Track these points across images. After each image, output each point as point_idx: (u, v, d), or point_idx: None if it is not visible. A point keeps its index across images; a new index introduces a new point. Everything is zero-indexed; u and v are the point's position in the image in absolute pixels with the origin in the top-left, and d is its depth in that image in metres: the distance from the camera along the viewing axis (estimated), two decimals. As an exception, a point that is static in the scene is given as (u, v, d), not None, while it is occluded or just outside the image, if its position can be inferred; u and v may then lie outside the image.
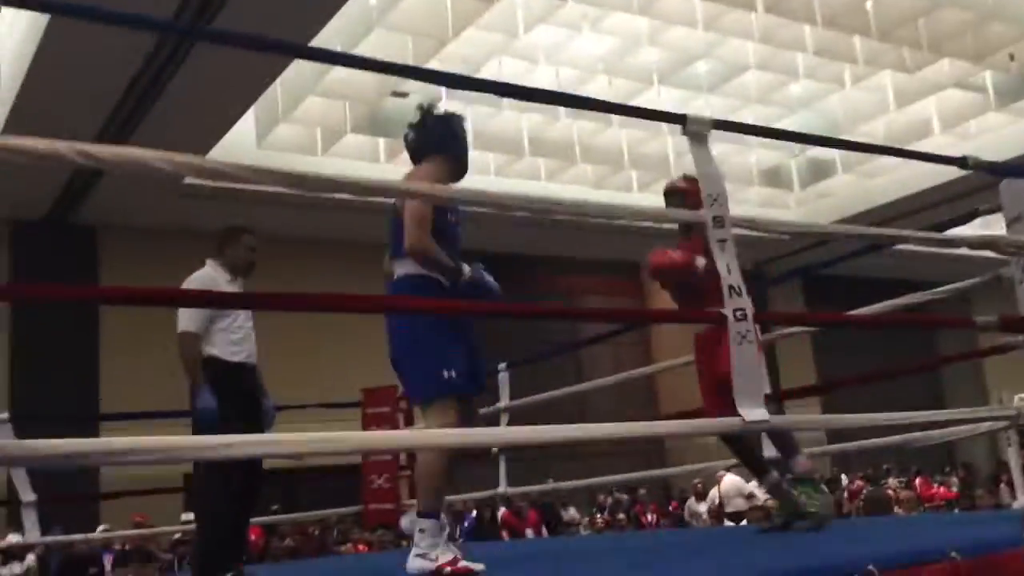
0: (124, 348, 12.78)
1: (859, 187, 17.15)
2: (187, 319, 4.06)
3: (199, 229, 13.37)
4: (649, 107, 3.46)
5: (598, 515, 13.48)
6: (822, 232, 3.30)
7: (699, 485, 12.84)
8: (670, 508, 13.97)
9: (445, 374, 3.05)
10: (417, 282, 3.13)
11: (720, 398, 3.09)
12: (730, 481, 12.16)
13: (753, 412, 2.62)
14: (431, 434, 2.97)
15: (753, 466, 3.82)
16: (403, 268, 3.18)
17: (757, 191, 17.05)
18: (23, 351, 12.51)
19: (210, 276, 4.22)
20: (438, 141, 3.33)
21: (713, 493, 12.26)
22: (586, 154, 14.94)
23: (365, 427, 7.01)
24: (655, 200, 2.75)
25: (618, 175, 15.65)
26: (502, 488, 6.50)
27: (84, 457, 1.86)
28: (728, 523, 10.65)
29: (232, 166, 2.21)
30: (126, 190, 11.83)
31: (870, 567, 2.02)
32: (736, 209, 2.87)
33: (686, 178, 3.83)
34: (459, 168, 3.33)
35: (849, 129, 15.26)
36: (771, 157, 16.97)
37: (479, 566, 2.92)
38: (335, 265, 13.88)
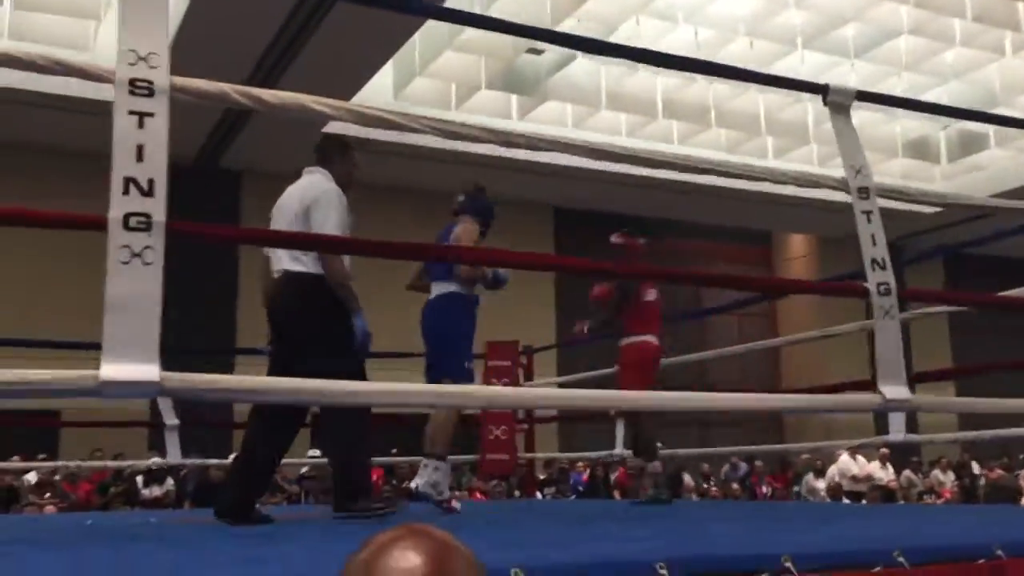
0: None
1: (1014, 162, 16.21)
2: (334, 232, 3.61)
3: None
4: (790, 72, 3.39)
5: (711, 483, 13.39)
6: (973, 205, 3.15)
7: (818, 462, 12.60)
8: (785, 482, 13.72)
9: (467, 365, 4.19)
10: (457, 299, 4.32)
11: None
12: (848, 461, 11.91)
13: (894, 391, 2.56)
14: (569, 394, 3.03)
15: (639, 448, 5.19)
16: (445, 288, 4.32)
17: (901, 163, 16.32)
18: (169, 289, 13.23)
19: (335, 188, 3.81)
20: (480, 209, 4.59)
21: (832, 471, 12.02)
22: (721, 118, 14.61)
23: (486, 379, 7.15)
24: (792, 169, 2.71)
25: (753, 141, 15.25)
26: (618, 450, 6.54)
27: (235, 393, 1.98)
28: (846, 501, 10.41)
29: (394, 113, 2.30)
30: (268, 137, 12.26)
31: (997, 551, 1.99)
32: (878, 180, 2.79)
33: (622, 233, 5.40)
34: (485, 229, 4.57)
35: (1007, 101, 14.41)
36: (918, 127, 16.19)
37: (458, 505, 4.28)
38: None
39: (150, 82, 1.94)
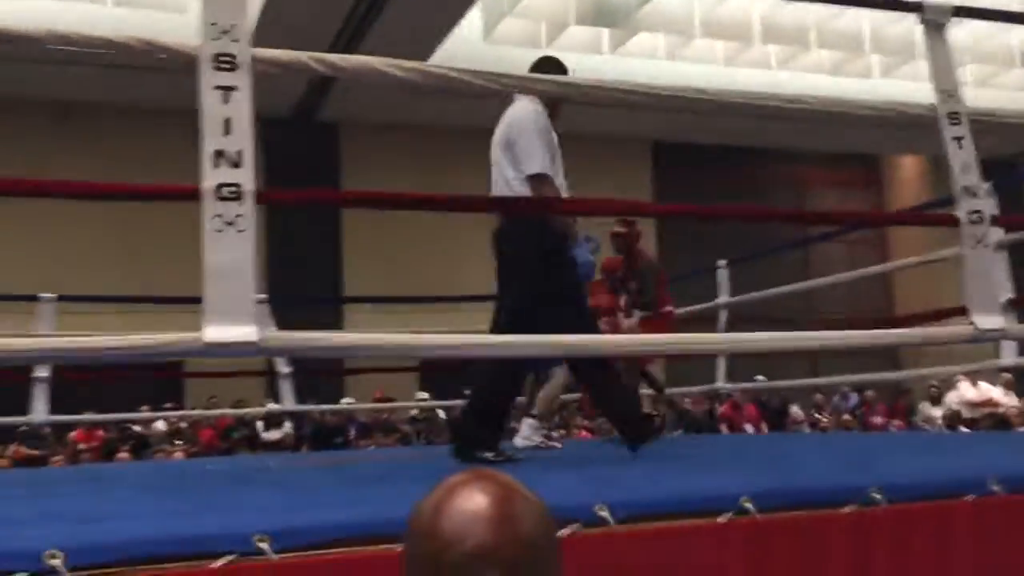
0: (364, 238, 13.71)
1: None
2: (540, 160, 3.46)
3: (430, 123, 14.00)
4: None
5: (821, 414, 13.21)
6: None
7: (933, 390, 12.26)
8: (900, 410, 13.43)
9: None
10: None
11: None
12: (967, 387, 11.54)
13: (986, 320, 2.52)
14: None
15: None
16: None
17: (1018, 73, 15.43)
18: (277, 240, 13.67)
19: (539, 112, 3.63)
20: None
21: (949, 398, 11.68)
22: (822, 39, 14.05)
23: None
24: (899, 87, 2.63)
25: (858, 60, 14.64)
26: (720, 383, 6.54)
27: (327, 350, 2.10)
28: (964, 430, 10.14)
29: (457, 70, 2.35)
30: (362, 89, 12.42)
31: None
32: (994, 94, 2.71)
33: (621, 221, 5.48)
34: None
35: None
36: (1037, 36, 15.25)
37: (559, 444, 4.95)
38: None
39: (232, 56, 2.03)
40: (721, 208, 3.90)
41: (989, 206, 4.00)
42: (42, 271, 10.80)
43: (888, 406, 13.76)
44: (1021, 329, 2.73)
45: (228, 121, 2.00)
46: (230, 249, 1.96)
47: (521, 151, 3.42)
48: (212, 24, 2.02)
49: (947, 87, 2.63)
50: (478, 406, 3.43)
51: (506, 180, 3.46)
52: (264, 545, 1.61)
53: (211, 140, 1.98)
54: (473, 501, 0.94)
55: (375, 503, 2.04)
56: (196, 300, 1.95)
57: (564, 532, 1.73)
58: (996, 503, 1.97)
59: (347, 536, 1.66)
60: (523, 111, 3.55)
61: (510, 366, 3.37)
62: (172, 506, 2.31)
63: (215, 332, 1.91)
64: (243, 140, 2.01)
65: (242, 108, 2.02)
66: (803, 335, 2.59)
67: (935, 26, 2.68)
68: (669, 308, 5.73)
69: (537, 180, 3.40)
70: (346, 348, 2.00)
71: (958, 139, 2.60)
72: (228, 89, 2.01)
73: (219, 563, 1.59)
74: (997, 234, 4.41)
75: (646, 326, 5.35)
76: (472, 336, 2.06)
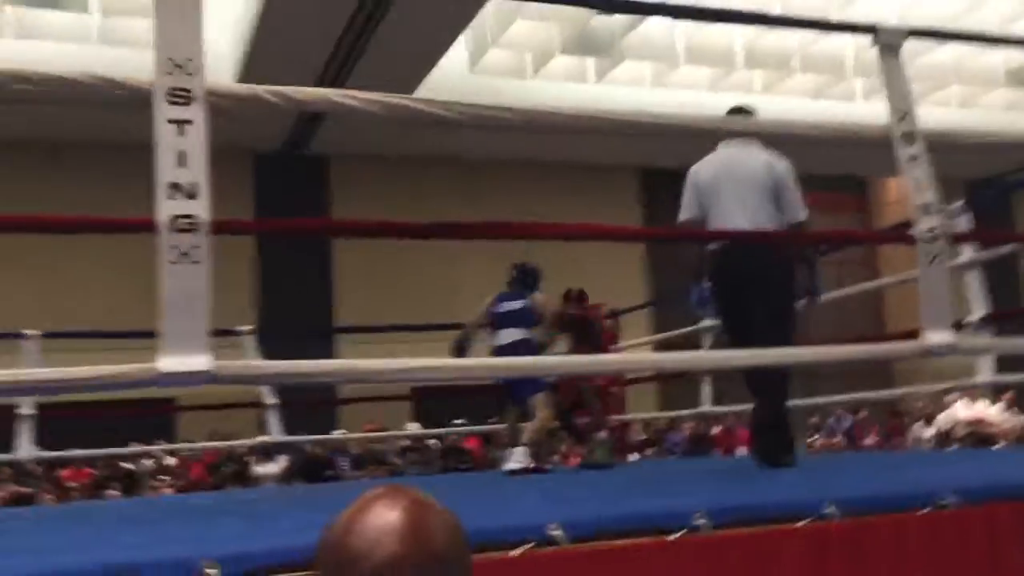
0: (356, 269, 13.74)
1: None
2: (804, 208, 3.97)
3: (419, 155, 14.09)
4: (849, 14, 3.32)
5: (817, 436, 13.18)
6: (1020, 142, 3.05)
7: (926, 409, 12.25)
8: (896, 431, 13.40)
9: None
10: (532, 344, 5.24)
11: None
12: (960, 406, 11.54)
13: (936, 336, 2.54)
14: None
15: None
16: (526, 335, 5.23)
17: (1002, 93, 15.57)
18: (267, 269, 13.70)
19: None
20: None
21: (940, 418, 11.67)
22: (805, 63, 14.20)
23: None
24: (882, 109, 2.66)
25: (840, 84, 14.77)
26: (706, 407, 6.54)
27: (283, 377, 2.11)
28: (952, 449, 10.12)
29: (419, 101, 2.39)
30: (352, 121, 12.51)
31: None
32: (978, 114, 2.75)
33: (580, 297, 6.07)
34: None
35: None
36: (1020, 56, 15.38)
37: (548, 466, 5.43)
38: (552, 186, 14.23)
39: (187, 90, 2.06)
40: (703, 232, 3.93)
41: (961, 224, 4.05)
42: (28, 308, 10.79)
43: (884, 427, 13.74)
44: (972, 345, 2.75)
45: (183, 154, 2.03)
46: (185, 280, 1.98)
47: (788, 202, 3.86)
48: (167, 59, 2.05)
49: (901, 108, 2.67)
50: (779, 415, 3.73)
51: (754, 222, 3.76)
52: (212, 572, 1.62)
53: (166, 172, 2.00)
54: (384, 515, 0.95)
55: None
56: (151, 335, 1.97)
57: (516, 552, 1.75)
58: (949, 516, 1.98)
59: (293, 560, 1.67)
60: (782, 161, 3.93)
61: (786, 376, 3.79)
62: (133, 539, 2.31)
63: (169, 363, 1.92)
64: (198, 172, 2.03)
65: (197, 141, 2.04)
66: (755, 353, 2.61)
67: (889, 48, 2.72)
68: None
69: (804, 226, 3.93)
70: (300, 375, 2.02)
71: (913, 158, 2.63)
72: (183, 123, 2.04)
73: (170, 590, 1.60)
74: (969, 251, 4.46)
75: None
76: (428, 360, 2.08)
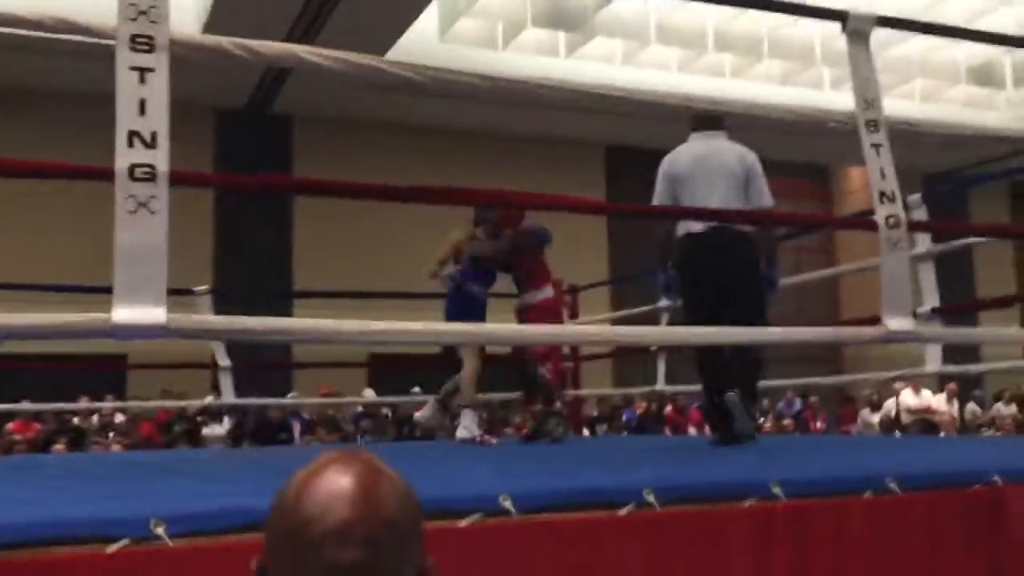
0: (315, 235, 13.61)
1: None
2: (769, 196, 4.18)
3: (383, 119, 13.96)
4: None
5: (766, 419, 13.38)
6: (984, 135, 3.09)
7: (873, 396, 12.49)
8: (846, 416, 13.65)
9: None
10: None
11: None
12: (907, 395, 11.78)
13: (897, 322, 2.58)
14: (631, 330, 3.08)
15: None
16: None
17: (964, 89, 15.77)
18: (225, 231, 13.52)
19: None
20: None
21: (888, 404, 11.91)
22: (775, 49, 14.25)
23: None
24: (849, 98, 2.68)
25: (808, 71, 14.86)
26: (659, 386, 6.60)
27: (274, 334, 2.09)
28: (898, 435, 10.34)
29: (384, 62, 2.35)
30: (316, 83, 12.35)
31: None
32: (940, 109, 2.77)
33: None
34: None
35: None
36: (982, 52, 15.58)
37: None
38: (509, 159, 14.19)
39: (150, 37, 2.01)
40: (662, 208, 3.98)
41: (917, 215, 4.11)
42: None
43: (834, 413, 14.00)
44: (932, 332, 2.80)
45: (143, 102, 1.98)
46: (142, 230, 1.94)
47: (756, 191, 4.04)
48: (131, 4, 2.00)
49: (868, 96, 2.69)
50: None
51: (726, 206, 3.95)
52: (160, 530, 1.60)
53: (125, 120, 1.96)
54: (336, 480, 0.94)
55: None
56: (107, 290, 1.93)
57: (466, 521, 1.75)
58: (892, 501, 2.02)
59: (246, 522, 1.66)
60: (750, 153, 4.16)
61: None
62: (81, 494, 2.28)
63: (123, 314, 1.89)
64: (158, 121, 1.99)
65: (158, 89, 2.00)
66: (721, 330, 2.63)
67: (858, 35, 2.74)
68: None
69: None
70: (251, 332, 2.00)
71: (876, 146, 2.66)
72: (144, 70, 1.99)
73: (113, 547, 1.58)
74: (924, 243, 4.53)
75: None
76: (382, 324, 2.06)
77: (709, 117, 4.11)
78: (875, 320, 2.69)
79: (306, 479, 0.96)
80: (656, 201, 4.08)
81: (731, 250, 3.91)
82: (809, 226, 16.14)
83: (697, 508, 1.91)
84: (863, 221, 2.79)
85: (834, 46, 14.40)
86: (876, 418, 12.09)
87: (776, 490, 1.94)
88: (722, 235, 3.90)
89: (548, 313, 5.13)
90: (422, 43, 12.03)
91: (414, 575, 0.94)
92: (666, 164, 4.11)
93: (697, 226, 3.95)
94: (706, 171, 3.98)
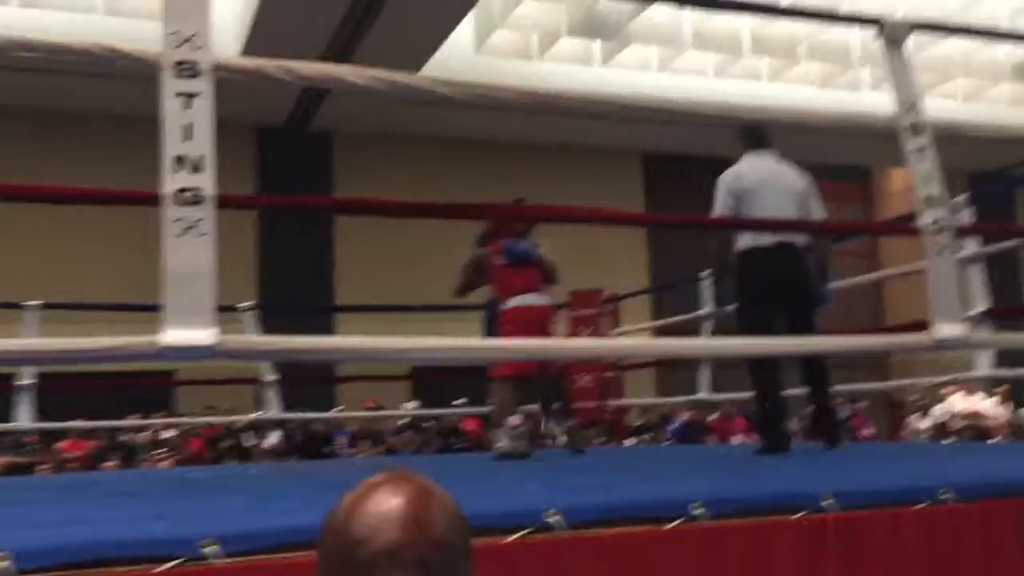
0: (356, 251, 13.72)
1: None
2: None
3: (422, 134, 14.05)
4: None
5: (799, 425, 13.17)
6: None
7: (921, 402, 12.27)
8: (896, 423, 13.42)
9: None
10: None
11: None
12: (955, 399, 11.56)
13: (946, 328, 2.54)
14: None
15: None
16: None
17: (1009, 88, 15.50)
18: (268, 247, 13.67)
19: None
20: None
21: (935, 410, 11.69)
22: (812, 51, 14.13)
23: (572, 329, 7.24)
24: (887, 100, 2.67)
25: (847, 74, 14.71)
26: (702, 394, 6.56)
27: (320, 353, 2.11)
28: (947, 442, 10.15)
29: (423, 79, 2.37)
30: (356, 99, 12.47)
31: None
32: (983, 108, 2.74)
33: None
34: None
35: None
36: (1025, 51, 15.33)
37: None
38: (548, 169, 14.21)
39: (194, 63, 2.05)
40: (703, 217, 3.99)
41: (962, 217, 4.05)
42: (29, 280, 10.78)
43: (881, 419, 13.77)
44: (982, 339, 2.75)
45: (189, 127, 2.02)
46: (190, 253, 1.98)
47: (815, 207, 4.27)
48: (173, 33, 2.04)
49: (908, 99, 2.66)
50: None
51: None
52: (210, 550, 1.62)
53: (172, 146, 2.00)
54: (387, 501, 0.95)
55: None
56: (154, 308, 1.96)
57: (513, 537, 1.75)
58: (946, 512, 1.98)
59: (298, 540, 1.67)
60: (806, 173, 4.36)
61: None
62: (135, 512, 2.32)
63: (172, 336, 1.92)
64: (204, 145, 2.02)
65: (204, 114, 2.04)
66: (775, 341, 2.60)
67: (894, 41, 2.72)
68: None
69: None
70: (298, 351, 2.02)
71: (919, 150, 2.62)
72: (189, 96, 2.03)
73: (166, 567, 1.61)
74: (972, 244, 4.46)
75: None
76: (428, 340, 2.07)
77: (763, 136, 4.27)
78: (923, 325, 2.65)
79: (356, 500, 0.97)
80: (718, 213, 4.12)
81: (801, 263, 4.09)
82: (855, 233, 15.97)
83: (746, 522, 1.89)
84: (906, 227, 2.75)
85: (872, 47, 14.23)
86: (925, 424, 11.86)
87: (827, 502, 1.92)
88: (792, 249, 4.05)
89: (506, 323, 5.02)
90: (458, 55, 12.10)
91: (465, 595, 0.95)
92: (730, 178, 4.17)
93: (767, 239, 4.04)
94: (775, 187, 4.12)
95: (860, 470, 2.84)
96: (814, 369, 4.00)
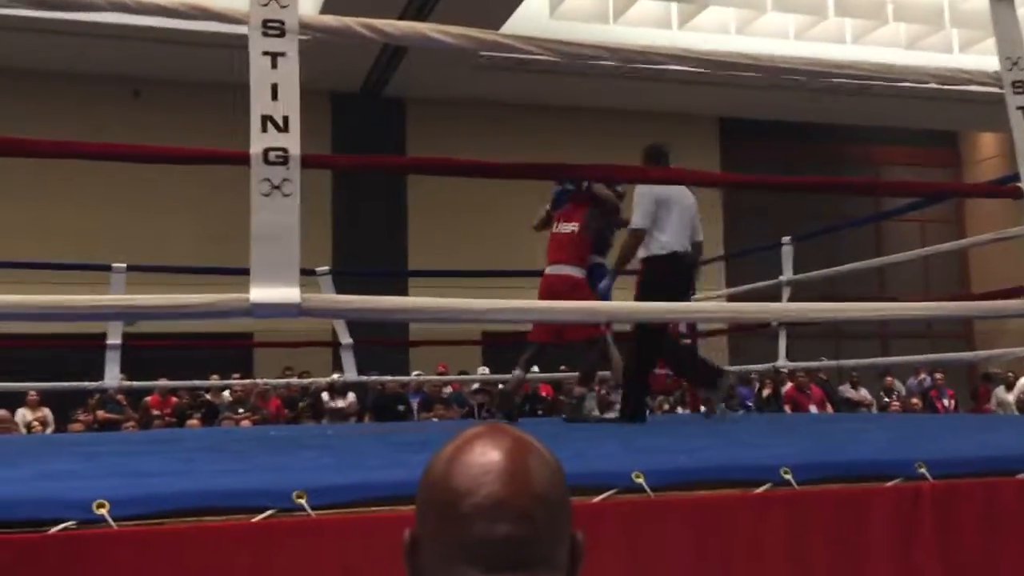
0: (429, 216, 13.80)
1: None
2: None
3: (494, 99, 14.00)
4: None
5: (893, 396, 12.91)
6: None
7: (1009, 374, 11.90)
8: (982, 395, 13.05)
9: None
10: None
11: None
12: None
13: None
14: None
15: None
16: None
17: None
18: (342, 213, 13.83)
19: None
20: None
21: (1021, 382, 11.34)
22: (899, 12, 13.62)
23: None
24: (980, 62, 2.55)
25: (936, 35, 14.15)
26: (780, 362, 6.45)
27: (367, 312, 2.12)
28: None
29: (509, 36, 2.34)
30: (429, 65, 12.47)
31: None
32: None
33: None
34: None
35: None
36: None
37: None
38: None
39: (281, 22, 2.06)
40: (783, 179, 3.88)
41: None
42: (116, 243, 11.10)
43: (963, 391, 13.40)
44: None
45: (276, 87, 2.03)
46: (276, 212, 1.99)
47: (697, 226, 4.90)
48: (261, -10, 2.05)
49: (1012, 55, 2.53)
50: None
51: (692, 239, 4.84)
52: (302, 501, 1.65)
53: (259, 105, 2.01)
54: (487, 454, 0.94)
55: (414, 467, 2.07)
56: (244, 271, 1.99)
57: (599, 497, 1.74)
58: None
59: (383, 496, 1.69)
60: None
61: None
62: (223, 466, 2.37)
63: (260, 293, 1.95)
64: (290, 105, 2.03)
65: (290, 74, 2.04)
66: (868, 306, 2.51)
67: (1003, -7, 2.59)
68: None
69: None
70: (385, 311, 2.03)
71: (1022, 108, 2.51)
72: (276, 55, 2.04)
73: (259, 518, 1.64)
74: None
75: None
76: (496, 301, 2.06)
77: (666, 156, 4.86)
78: (1017, 292, 2.55)
79: (455, 452, 0.96)
80: (643, 221, 4.57)
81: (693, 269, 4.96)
82: (955, 194, 15.42)
83: (837, 487, 1.85)
84: (1006, 188, 2.63)
85: (963, 7, 13.69)
86: (1012, 396, 11.52)
87: (922, 470, 1.86)
88: (694, 256, 4.84)
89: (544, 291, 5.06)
90: (533, 20, 11.99)
91: (566, 549, 0.94)
92: (648, 189, 4.62)
93: (683, 246, 4.63)
94: (681, 202, 4.70)
95: (952, 439, 2.76)
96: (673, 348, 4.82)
